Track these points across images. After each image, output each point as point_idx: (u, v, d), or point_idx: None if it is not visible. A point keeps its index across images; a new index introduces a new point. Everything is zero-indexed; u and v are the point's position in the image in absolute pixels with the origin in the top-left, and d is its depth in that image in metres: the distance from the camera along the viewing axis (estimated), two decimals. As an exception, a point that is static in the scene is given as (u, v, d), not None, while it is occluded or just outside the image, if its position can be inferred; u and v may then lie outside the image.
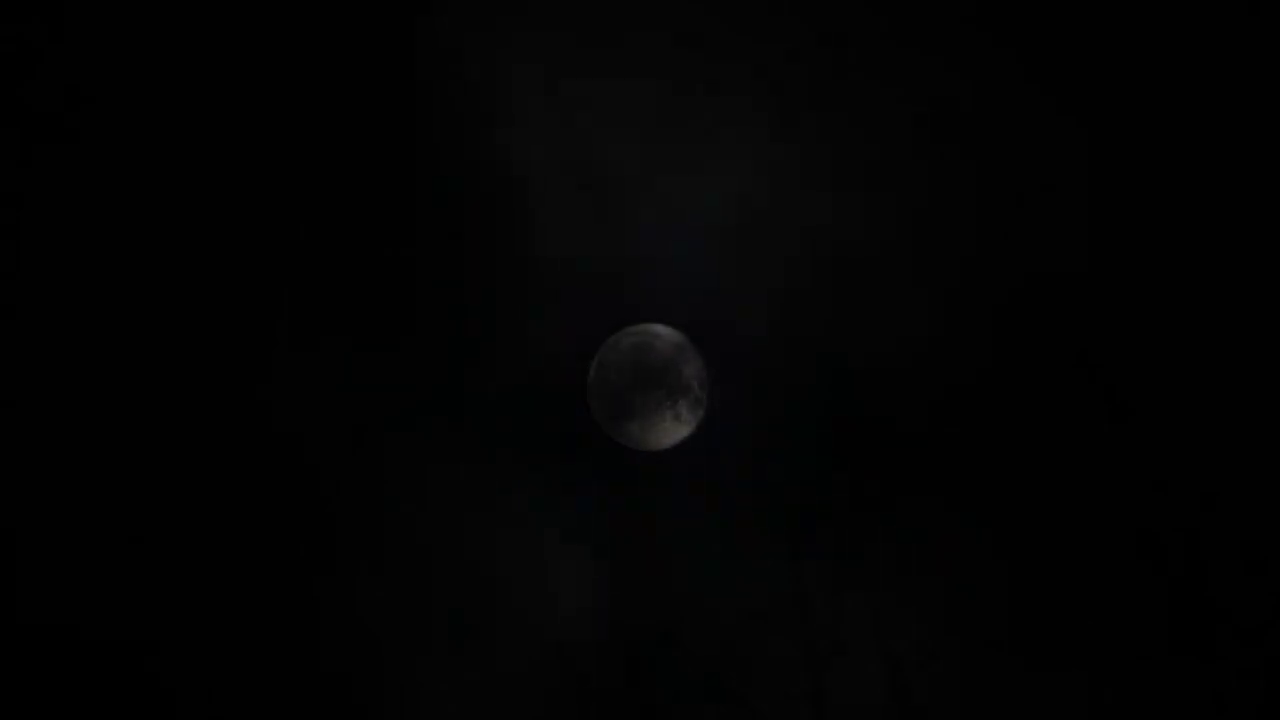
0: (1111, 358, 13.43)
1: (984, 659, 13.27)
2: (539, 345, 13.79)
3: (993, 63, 13.72)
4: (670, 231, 13.71)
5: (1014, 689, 13.25)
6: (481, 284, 13.86)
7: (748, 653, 13.47)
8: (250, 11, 13.65)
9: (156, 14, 13.58)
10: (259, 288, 13.64)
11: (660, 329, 13.79)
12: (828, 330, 13.63)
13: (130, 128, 13.60)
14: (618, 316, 13.74)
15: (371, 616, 13.51)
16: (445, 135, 13.83)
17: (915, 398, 13.50)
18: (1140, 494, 13.30)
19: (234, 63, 13.65)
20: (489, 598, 13.59)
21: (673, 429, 13.74)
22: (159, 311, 13.61)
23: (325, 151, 13.75)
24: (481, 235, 13.83)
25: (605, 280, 13.74)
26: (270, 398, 13.55)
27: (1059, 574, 13.31)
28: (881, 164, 13.74)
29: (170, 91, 13.59)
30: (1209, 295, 13.42)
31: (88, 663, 13.07)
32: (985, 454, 13.44)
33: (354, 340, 13.74)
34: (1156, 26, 13.61)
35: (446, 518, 13.67)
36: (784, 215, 13.75)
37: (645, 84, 13.81)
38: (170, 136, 13.62)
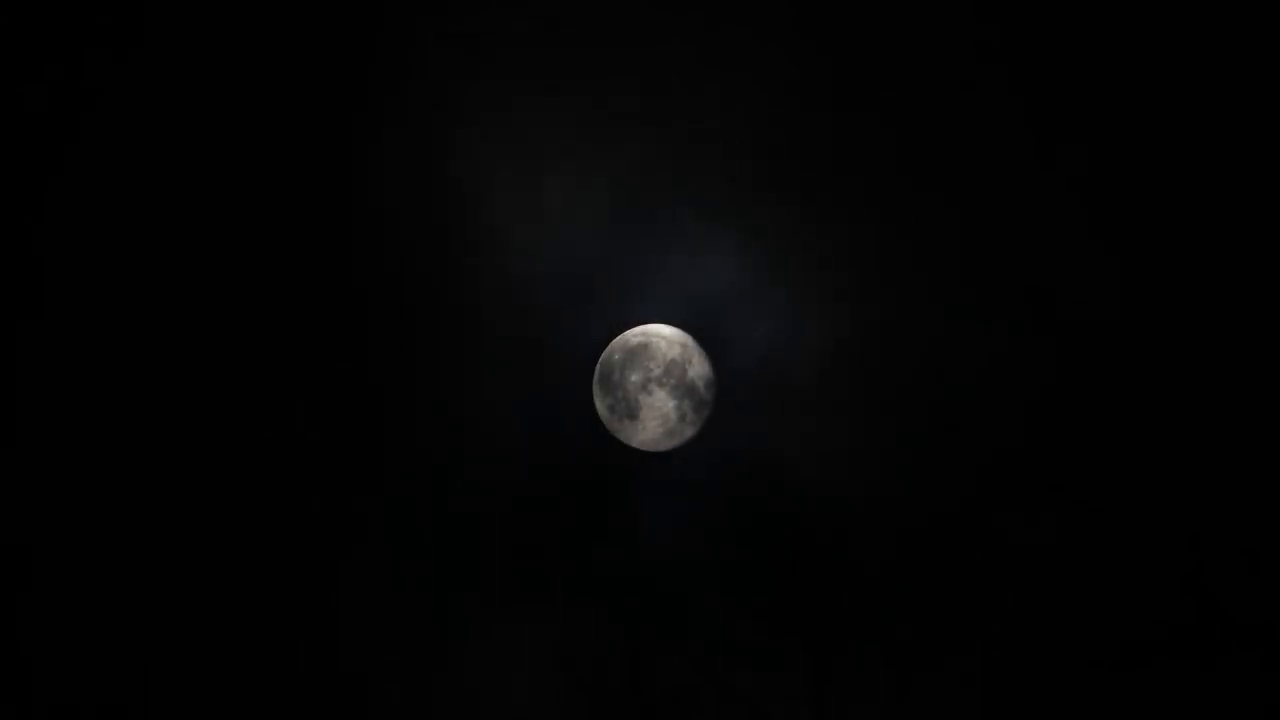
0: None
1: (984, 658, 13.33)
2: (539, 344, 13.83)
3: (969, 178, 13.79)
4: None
5: (1013, 687, 13.28)
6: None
7: (748, 653, 13.49)
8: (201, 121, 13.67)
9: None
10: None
11: (665, 329, 13.81)
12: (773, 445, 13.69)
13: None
14: (620, 319, 13.81)
15: (371, 614, 13.53)
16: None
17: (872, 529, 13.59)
18: (1139, 500, 13.36)
19: (178, 182, 13.68)
20: (487, 595, 13.61)
21: (677, 430, 13.76)
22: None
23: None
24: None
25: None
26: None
27: (1056, 573, 13.37)
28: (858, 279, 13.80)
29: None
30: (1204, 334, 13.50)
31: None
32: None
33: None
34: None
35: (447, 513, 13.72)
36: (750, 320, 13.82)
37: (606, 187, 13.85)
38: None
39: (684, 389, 13.72)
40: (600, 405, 13.78)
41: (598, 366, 13.79)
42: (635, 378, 13.70)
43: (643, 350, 13.74)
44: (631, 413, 13.71)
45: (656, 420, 13.72)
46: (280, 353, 13.66)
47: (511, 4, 13.77)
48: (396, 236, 13.76)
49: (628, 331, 13.78)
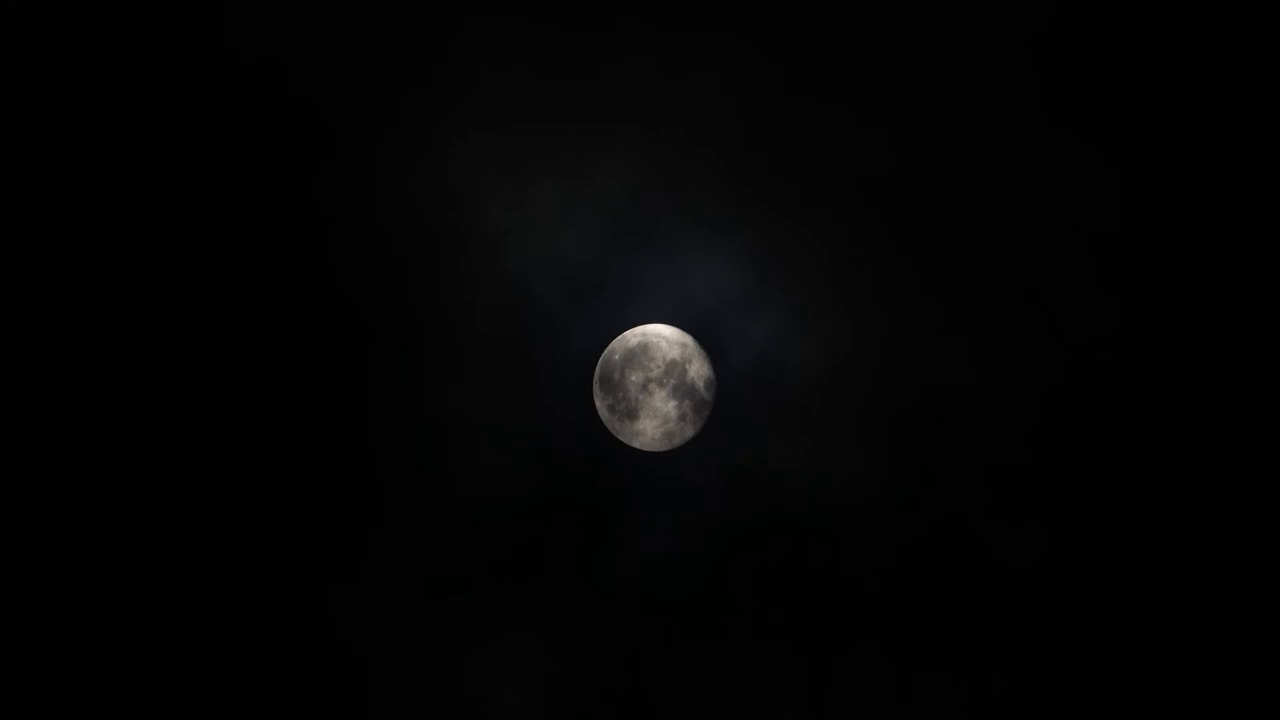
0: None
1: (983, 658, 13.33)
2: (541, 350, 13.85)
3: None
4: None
5: (1012, 686, 13.29)
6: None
7: (748, 654, 13.49)
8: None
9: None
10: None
11: (666, 330, 13.82)
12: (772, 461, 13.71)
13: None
14: (620, 320, 13.82)
15: (371, 617, 13.53)
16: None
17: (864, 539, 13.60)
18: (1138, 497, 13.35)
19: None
20: (484, 593, 13.61)
21: (677, 430, 13.76)
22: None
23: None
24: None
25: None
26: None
27: (1056, 574, 13.37)
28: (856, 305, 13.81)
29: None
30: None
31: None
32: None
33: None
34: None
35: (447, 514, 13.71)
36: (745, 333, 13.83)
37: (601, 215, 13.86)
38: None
39: (684, 389, 13.72)
40: (600, 405, 13.78)
41: (598, 366, 13.80)
42: (635, 378, 13.71)
43: (643, 351, 13.74)
44: (631, 413, 13.72)
45: (656, 421, 13.72)
46: (276, 359, 13.66)
47: (511, 6, 13.79)
48: (394, 240, 13.76)
49: (628, 332, 13.78)
